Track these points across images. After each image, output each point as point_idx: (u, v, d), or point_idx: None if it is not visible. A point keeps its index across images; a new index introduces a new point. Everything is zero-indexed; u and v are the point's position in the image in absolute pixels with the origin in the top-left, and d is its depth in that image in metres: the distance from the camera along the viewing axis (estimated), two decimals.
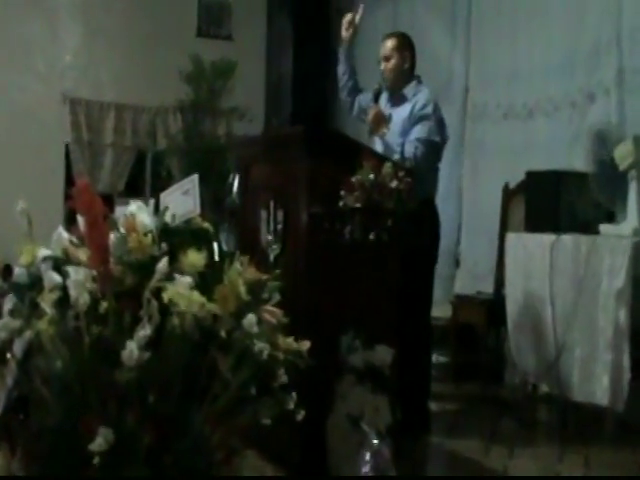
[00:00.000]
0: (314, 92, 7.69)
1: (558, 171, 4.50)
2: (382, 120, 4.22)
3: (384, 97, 4.45)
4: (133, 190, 7.74)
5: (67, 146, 7.46)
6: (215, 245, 2.50)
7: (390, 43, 4.45)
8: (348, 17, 4.51)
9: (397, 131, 4.25)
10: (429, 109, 4.26)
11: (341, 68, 4.69)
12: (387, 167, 3.17)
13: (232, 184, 4.60)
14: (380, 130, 4.20)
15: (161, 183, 7.57)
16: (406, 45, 4.47)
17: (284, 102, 7.76)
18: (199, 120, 7.23)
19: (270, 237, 3.54)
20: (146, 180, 7.95)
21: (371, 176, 3.13)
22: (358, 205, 3.12)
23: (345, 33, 4.55)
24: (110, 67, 7.43)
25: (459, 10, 6.25)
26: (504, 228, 5.21)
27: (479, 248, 5.78)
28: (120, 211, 2.55)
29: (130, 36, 7.48)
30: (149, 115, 7.67)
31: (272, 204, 3.54)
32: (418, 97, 4.33)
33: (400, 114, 4.32)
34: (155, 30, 7.51)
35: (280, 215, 3.51)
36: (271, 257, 3.51)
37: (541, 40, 5.42)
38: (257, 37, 8.08)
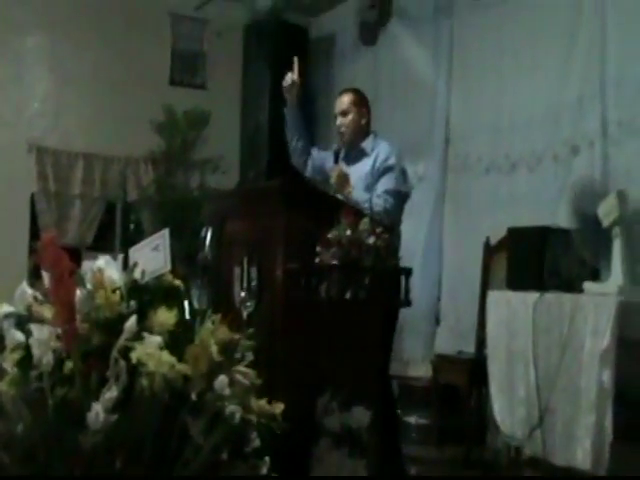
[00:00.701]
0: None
1: (541, 227, 4.54)
2: (346, 180, 4.29)
3: (341, 156, 4.53)
4: (102, 243, 7.74)
5: (33, 196, 7.43)
6: (186, 303, 2.52)
7: (347, 98, 4.58)
8: (288, 78, 4.58)
9: (361, 187, 4.34)
10: (392, 160, 4.38)
11: (289, 131, 4.76)
12: (364, 223, 3.20)
13: (205, 238, 4.61)
14: (345, 190, 4.26)
15: (131, 236, 7.60)
16: (363, 101, 4.61)
17: (260, 153, 7.80)
18: (171, 171, 7.28)
19: (244, 294, 3.55)
20: (116, 233, 7.95)
21: (348, 232, 3.15)
22: (335, 262, 3.13)
23: (288, 95, 4.62)
24: (79, 115, 7.46)
25: (441, 60, 6.38)
26: (486, 285, 5.26)
27: (460, 305, 5.82)
28: (88, 265, 2.56)
29: (100, 83, 7.51)
30: (119, 165, 7.69)
31: (246, 260, 3.55)
32: (378, 150, 4.44)
33: (361, 169, 4.42)
34: (126, 78, 7.56)
35: (254, 271, 3.52)
36: (244, 315, 3.52)
37: (524, 91, 5.54)
38: (232, 86, 8.14)
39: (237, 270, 3.62)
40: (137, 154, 7.44)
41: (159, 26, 7.90)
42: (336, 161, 4.41)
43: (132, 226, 7.72)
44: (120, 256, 2.73)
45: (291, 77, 4.58)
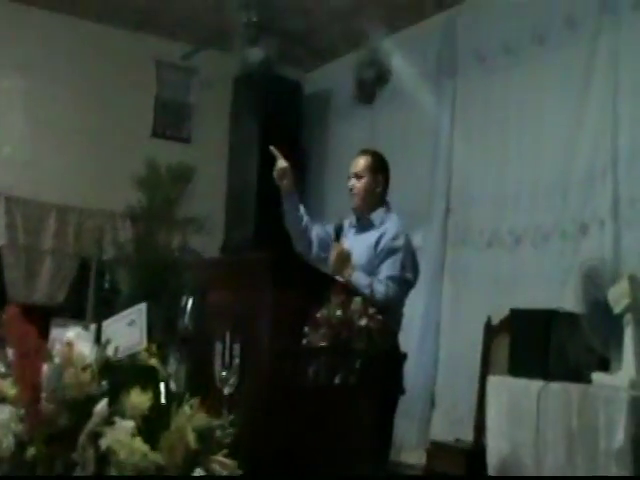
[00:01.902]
0: (280, 203, 7.76)
1: (547, 310, 4.52)
2: (346, 260, 4.24)
3: (347, 223, 4.54)
4: (74, 303, 7.70)
5: (0, 249, 7.39)
6: (162, 385, 2.50)
7: (364, 161, 4.54)
8: (278, 167, 4.55)
9: (361, 261, 4.29)
10: (400, 241, 4.32)
11: (289, 220, 4.71)
12: (356, 303, 3.19)
13: (185, 307, 4.60)
14: (345, 271, 4.20)
15: (106, 296, 7.53)
16: (381, 166, 4.57)
17: (247, 214, 7.79)
18: (152, 230, 7.23)
19: (225, 372, 3.53)
20: (89, 292, 7.90)
21: (338, 312, 3.14)
22: (324, 344, 3.12)
23: (281, 183, 4.59)
24: (54, 164, 7.45)
25: (442, 122, 6.44)
26: (486, 369, 5.23)
27: (458, 389, 5.79)
28: (57, 333, 2.55)
29: (78, 131, 7.52)
30: (95, 220, 7.67)
31: (228, 335, 3.54)
32: (387, 226, 4.40)
33: (365, 241, 4.39)
34: (107, 127, 7.60)
35: (237, 348, 3.50)
36: (225, 394, 3.50)
37: (530, 159, 5.60)
38: (219, 140, 8.16)
39: (219, 345, 3.61)
40: (115, 209, 7.38)
41: (143, 73, 7.95)
42: (337, 238, 4.37)
43: (107, 286, 7.67)
44: (92, 327, 2.72)
45: (281, 163, 4.55)
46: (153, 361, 2.55)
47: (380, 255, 4.31)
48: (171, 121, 8.16)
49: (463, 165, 6.22)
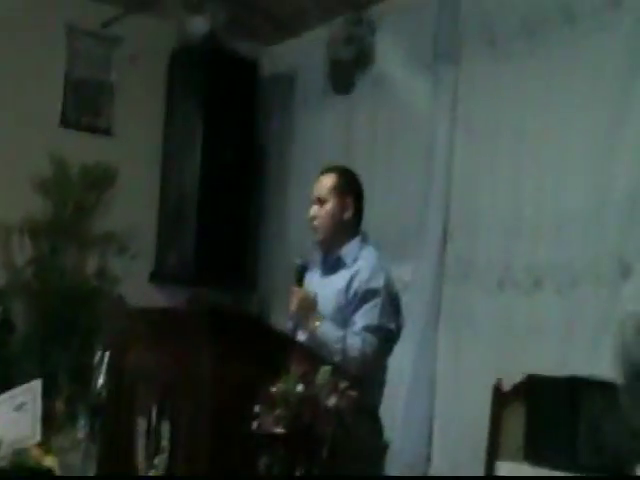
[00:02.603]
0: (230, 218, 7.78)
1: (574, 378, 4.44)
2: (311, 308, 4.31)
3: (314, 264, 4.61)
4: None
5: None
6: None
7: (327, 181, 4.62)
8: (300, 295, 4.44)
9: (327, 310, 4.35)
10: (379, 281, 4.38)
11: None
12: (323, 373, 3.18)
13: (99, 366, 4.57)
14: (309, 323, 4.28)
15: None
16: (351, 187, 4.65)
17: (186, 231, 7.80)
18: (59, 249, 7.22)
19: (149, 461, 3.52)
20: None
21: (299, 387, 3.12)
22: (279, 430, 3.09)
23: (305, 318, 4.43)
24: None
25: (440, 121, 6.39)
26: (494, 448, 5.19)
27: (458, 472, 5.74)
28: None
29: None
30: None
31: (155, 410, 3.53)
32: (361, 263, 4.45)
33: (333, 285, 4.45)
34: None
35: (166, 428, 3.50)
36: None
37: (555, 176, 5.54)
38: (149, 133, 8.13)
39: (142, 423, 3.60)
40: (10, 221, 7.31)
41: (50, 43, 7.83)
42: (300, 282, 4.42)
43: None
44: None
45: (302, 292, 4.48)
46: (49, 460, 2.51)
47: (353, 301, 4.36)
48: (86, 106, 8.05)
49: (466, 178, 6.16)
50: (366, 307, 4.31)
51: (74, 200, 7.15)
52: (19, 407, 2.54)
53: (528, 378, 4.82)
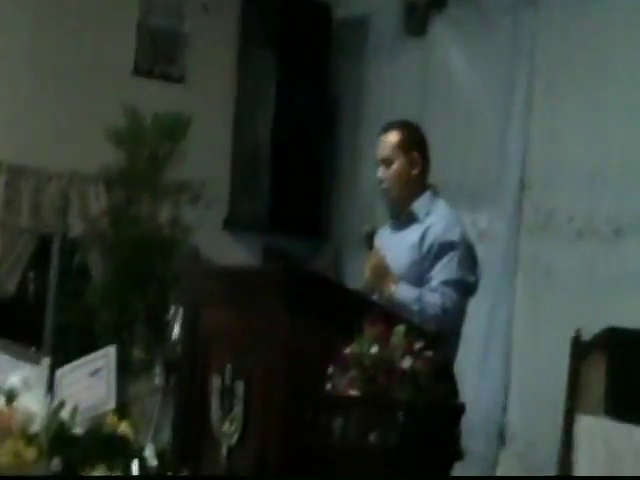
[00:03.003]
0: (304, 167, 7.77)
1: None
2: (386, 272, 4.29)
3: (382, 229, 4.60)
4: (30, 294, 7.73)
5: None
6: (135, 464, 2.47)
7: (391, 139, 4.57)
8: (374, 260, 4.39)
9: (401, 267, 4.33)
10: (455, 234, 4.38)
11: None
12: (398, 335, 3.14)
13: (173, 323, 4.58)
14: (385, 287, 4.26)
15: (73, 288, 7.54)
16: (414, 141, 4.60)
17: (260, 181, 7.85)
18: (133, 199, 7.25)
19: (224, 419, 3.52)
20: (50, 282, 7.87)
21: (374, 349, 3.10)
22: (354, 392, 3.08)
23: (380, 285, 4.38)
24: (3, 111, 7.44)
25: (518, 68, 6.33)
26: (574, 401, 5.14)
27: (536, 424, 5.77)
28: None
29: (35, 69, 7.51)
30: (59, 185, 7.67)
31: (229, 369, 3.52)
32: (433, 218, 4.43)
33: (405, 240, 4.44)
34: (72, 62, 7.59)
35: (240, 387, 3.50)
36: (224, 450, 3.48)
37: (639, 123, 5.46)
38: (222, 81, 8.19)
39: (216, 380, 3.62)
40: (85, 171, 7.43)
41: None
42: (370, 247, 4.37)
43: (75, 272, 7.69)
44: (46, 363, 2.70)
45: (377, 255, 4.40)
46: (123, 427, 2.51)
47: (428, 255, 4.34)
48: (159, 55, 8.13)
49: (546, 126, 6.09)
50: (443, 261, 4.30)
51: (148, 150, 7.15)
52: (94, 372, 2.54)
53: (610, 330, 4.79)
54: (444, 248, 4.32)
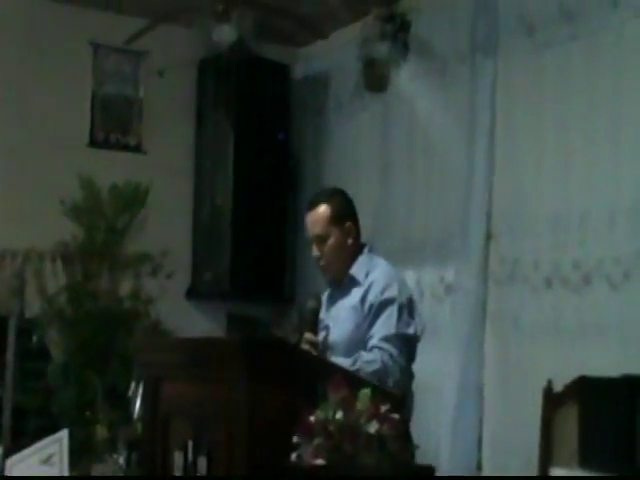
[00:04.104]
0: (266, 231, 7.83)
1: (630, 377, 4.42)
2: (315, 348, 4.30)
3: (325, 296, 4.65)
4: None
5: None
6: None
7: (322, 214, 4.58)
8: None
9: (346, 332, 4.41)
10: (393, 291, 4.40)
11: None
12: (363, 397, 3.11)
13: (134, 399, 4.54)
14: None
15: (31, 370, 7.40)
16: (345, 211, 4.63)
17: (221, 247, 7.84)
18: (92, 273, 7.19)
19: None
20: (6, 364, 7.73)
21: (339, 414, 3.07)
22: (319, 462, 3.04)
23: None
24: None
25: (479, 116, 6.36)
26: (547, 453, 5.10)
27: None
28: None
29: None
30: (13, 264, 7.56)
31: (191, 445, 3.49)
32: (372, 276, 4.48)
33: (348, 304, 4.50)
34: (27, 135, 7.52)
35: (203, 463, 3.47)
36: None
37: (604, 167, 5.46)
38: (180, 147, 8.15)
39: (179, 458, 3.57)
40: (41, 247, 7.32)
41: (75, 60, 7.86)
42: (312, 323, 4.41)
43: (34, 352, 7.57)
44: None
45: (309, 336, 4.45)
46: None
47: (369, 315, 4.40)
48: (115, 123, 8.09)
49: (509, 175, 6.13)
50: (382, 318, 4.35)
51: (106, 222, 7.10)
52: (47, 460, 2.47)
53: (580, 379, 4.76)
54: (382, 306, 4.37)
